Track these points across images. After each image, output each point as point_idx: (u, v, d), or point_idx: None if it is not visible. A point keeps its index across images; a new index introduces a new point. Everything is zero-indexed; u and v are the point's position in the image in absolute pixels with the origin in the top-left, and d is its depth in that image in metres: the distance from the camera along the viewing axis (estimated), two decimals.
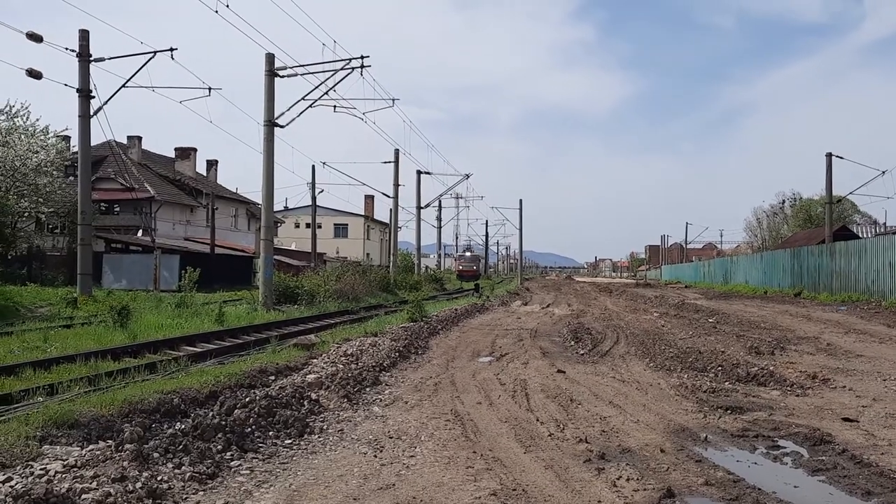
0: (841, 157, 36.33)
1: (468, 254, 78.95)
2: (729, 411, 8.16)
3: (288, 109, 23.51)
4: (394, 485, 5.50)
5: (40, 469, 5.14)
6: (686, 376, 10.60)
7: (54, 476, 5.04)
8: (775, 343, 14.30)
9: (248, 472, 5.84)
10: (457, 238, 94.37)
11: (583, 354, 13.44)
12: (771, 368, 10.86)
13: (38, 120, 33.76)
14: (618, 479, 5.60)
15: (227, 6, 19.99)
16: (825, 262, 33.53)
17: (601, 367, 11.72)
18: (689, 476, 5.72)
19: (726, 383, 10.04)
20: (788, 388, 9.60)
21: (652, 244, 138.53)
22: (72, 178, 32.96)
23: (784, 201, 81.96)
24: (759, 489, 5.36)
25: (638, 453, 6.39)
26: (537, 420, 7.71)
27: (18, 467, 5.21)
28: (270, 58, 22.87)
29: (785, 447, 6.70)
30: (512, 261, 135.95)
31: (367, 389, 9.58)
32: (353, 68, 23.46)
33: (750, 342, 14.35)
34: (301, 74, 23.50)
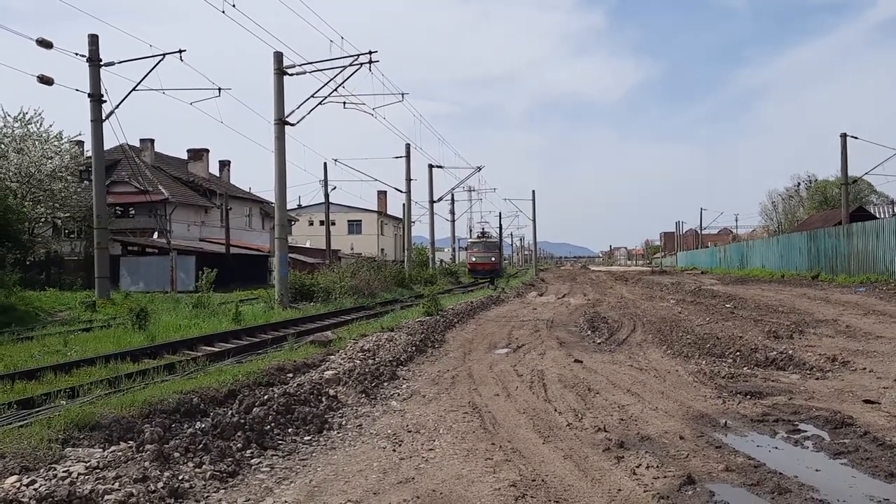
0: (856, 138, 35.98)
1: (483, 240, 58.96)
2: (748, 396, 8.11)
3: (298, 107, 23.57)
4: (413, 478, 5.51)
5: (63, 471, 5.19)
6: (704, 362, 10.56)
7: (77, 478, 5.09)
8: (794, 326, 14.20)
9: (268, 469, 5.87)
10: (470, 231, 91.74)
11: (600, 343, 13.41)
12: (790, 352, 10.78)
13: (51, 126, 34.11)
14: (637, 466, 5.59)
15: (234, 6, 20.04)
16: (842, 243, 33.23)
17: (618, 356, 11.68)
18: (710, 462, 5.69)
19: (745, 368, 9.98)
20: (808, 372, 9.53)
21: (667, 231, 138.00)
22: (86, 182, 33.23)
23: (799, 184, 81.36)
24: (781, 474, 5.33)
25: (657, 441, 6.37)
26: (555, 410, 7.70)
27: (42, 470, 5.26)
28: (279, 56, 22.91)
29: (806, 431, 6.65)
30: (526, 252, 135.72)
31: (385, 384, 9.60)
32: (361, 64, 23.45)
33: (768, 326, 14.25)
34: (310, 72, 23.52)
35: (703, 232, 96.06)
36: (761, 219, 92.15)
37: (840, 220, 37.50)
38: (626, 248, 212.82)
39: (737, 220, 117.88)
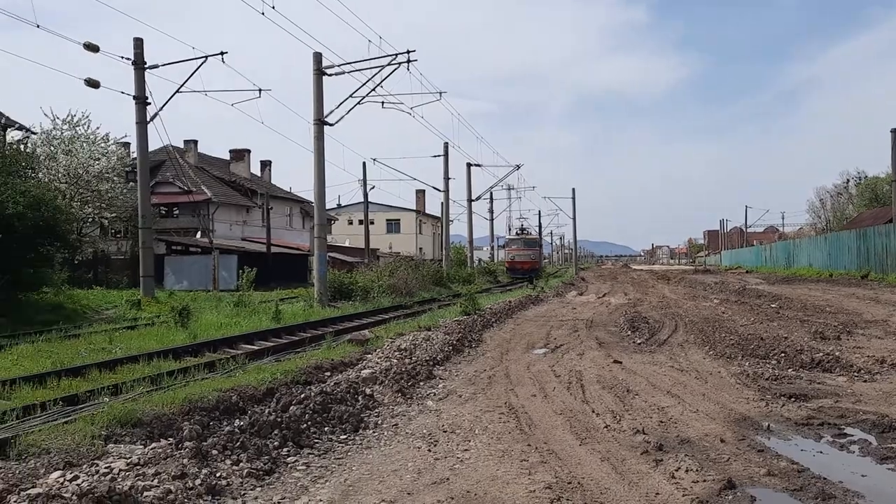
0: None
1: (523, 237, 55.05)
2: (792, 399, 7.92)
3: (337, 107, 23.70)
4: (448, 479, 5.48)
5: (105, 467, 5.28)
6: (747, 364, 10.34)
7: (118, 474, 5.17)
8: (841, 327, 13.84)
9: (303, 467, 5.90)
10: (509, 230, 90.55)
11: (640, 344, 13.24)
12: (837, 354, 10.50)
13: (98, 128, 34.79)
14: (676, 470, 5.48)
15: (273, 7, 20.25)
16: (893, 241, 32.32)
17: (659, 357, 11.52)
18: (751, 466, 5.56)
19: (790, 370, 9.75)
20: (855, 374, 9.28)
21: (710, 229, 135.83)
22: (132, 183, 33.88)
23: (848, 181, 79.41)
24: (825, 479, 5.18)
25: (697, 444, 6.25)
26: (593, 412, 7.61)
27: (84, 466, 5.36)
28: (318, 57, 23.08)
29: (852, 435, 6.47)
30: (566, 251, 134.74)
31: (421, 384, 9.59)
32: (399, 63, 23.49)
33: (814, 327, 13.91)
34: (348, 72, 23.64)
35: (749, 230, 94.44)
36: (809, 216, 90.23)
37: (891, 218, 36.48)
38: (668, 246, 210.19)
39: (783, 218, 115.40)
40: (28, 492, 4.68)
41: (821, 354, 10.40)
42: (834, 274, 38.57)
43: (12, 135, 28.26)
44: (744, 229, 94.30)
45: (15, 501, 4.54)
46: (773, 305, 20.28)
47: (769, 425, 6.81)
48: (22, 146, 26.54)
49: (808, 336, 12.83)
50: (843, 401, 7.79)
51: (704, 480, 5.23)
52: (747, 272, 56.23)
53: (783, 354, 10.71)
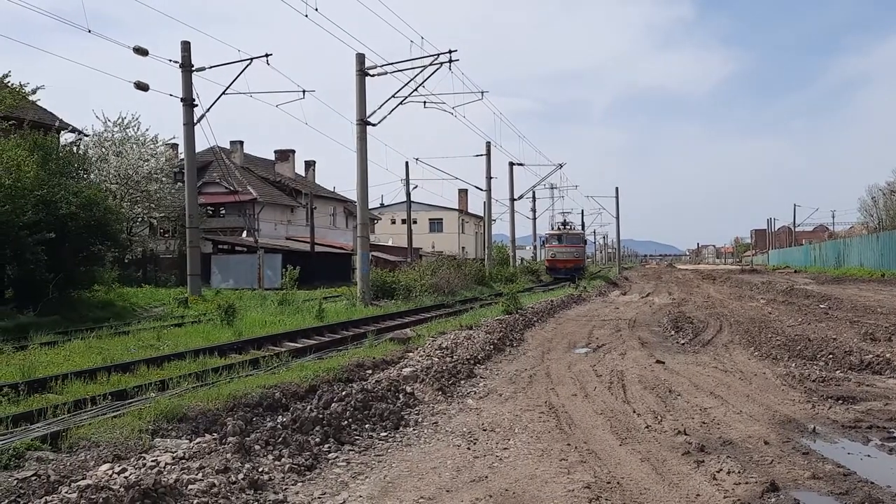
0: None
1: (564, 232, 49.47)
2: (840, 401, 7.75)
3: (379, 108, 23.86)
4: (486, 477, 5.50)
5: (151, 461, 5.42)
6: (794, 365, 10.14)
7: (164, 468, 5.30)
8: (893, 329, 13.46)
9: (344, 463, 5.98)
10: (552, 228, 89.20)
11: (683, 344, 13.07)
12: (888, 356, 10.22)
13: (147, 130, 35.57)
14: (718, 471, 5.42)
15: (316, 9, 20.46)
16: None
17: (703, 357, 11.36)
18: (795, 469, 5.46)
19: (837, 372, 9.54)
20: None
21: (758, 228, 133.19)
22: (180, 183, 34.55)
23: None
24: (872, 483, 5.07)
25: (740, 445, 6.16)
26: (634, 412, 7.55)
27: (132, 459, 5.52)
28: (360, 58, 23.26)
29: None
30: (610, 250, 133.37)
31: (462, 382, 9.61)
32: (441, 63, 23.56)
33: (865, 328, 13.57)
34: (390, 72, 23.78)
35: (797, 229, 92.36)
36: (860, 215, 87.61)
37: None
38: (714, 246, 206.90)
39: (833, 217, 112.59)
40: (78, 483, 4.83)
41: (870, 356, 10.15)
42: (886, 274, 37.52)
43: (65, 137, 29.09)
44: (792, 228, 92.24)
45: (66, 492, 4.69)
46: (821, 306, 19.83)
47: (815, 428, 6.68)
48: (75, 148, 27.32)
49: (858, 337, 12.52)
50: (893, 403, 7.60)
51: (747, 482, 5.15)
52: (795, 272, 55.02)
53: (831, 356, 10.47)
